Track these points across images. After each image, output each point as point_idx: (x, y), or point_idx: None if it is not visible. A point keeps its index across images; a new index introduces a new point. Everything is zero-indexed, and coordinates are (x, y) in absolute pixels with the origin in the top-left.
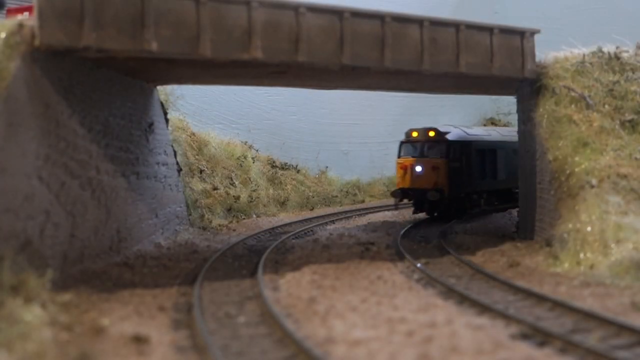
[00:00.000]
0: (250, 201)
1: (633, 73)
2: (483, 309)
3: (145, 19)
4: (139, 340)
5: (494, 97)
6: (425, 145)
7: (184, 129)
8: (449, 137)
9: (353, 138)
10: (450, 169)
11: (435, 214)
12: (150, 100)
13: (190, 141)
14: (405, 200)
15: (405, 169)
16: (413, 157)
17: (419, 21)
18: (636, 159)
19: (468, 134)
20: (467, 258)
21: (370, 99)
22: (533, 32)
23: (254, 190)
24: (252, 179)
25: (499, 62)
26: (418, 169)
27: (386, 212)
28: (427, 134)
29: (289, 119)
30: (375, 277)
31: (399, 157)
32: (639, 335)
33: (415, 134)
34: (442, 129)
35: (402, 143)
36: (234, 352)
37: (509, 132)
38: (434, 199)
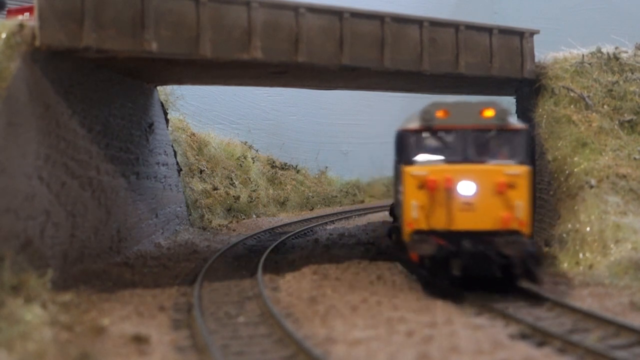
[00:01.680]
0: (250, 201)
1: (632, 73)
2: (482, 309)
3: (145, 19)
4: (139, 340)
5: (493, 97)
6: (475, 137)
7: (184, 129)
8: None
9: (353, 138)
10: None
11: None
12: (150, 100)
13: (190, 141)
14: None
15: (434, 190)
16: (451, 162)
17: (418, 22)
18: (635, 159)
19: None
20: None
21: (370, 99)
22: (532, 33)
23: (253, 191)
24: (252, 179)
25: (498, 63)
26: (469, 190)
27: (386, 212)
28: (480, 113)
29: (289, 119)
30: (375, 277)
31: (406, 162)
32: (637, 335)
33: (443, 114)
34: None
35: (412, 133)
36: (234, 352)
37: None
38: (511, 253)
